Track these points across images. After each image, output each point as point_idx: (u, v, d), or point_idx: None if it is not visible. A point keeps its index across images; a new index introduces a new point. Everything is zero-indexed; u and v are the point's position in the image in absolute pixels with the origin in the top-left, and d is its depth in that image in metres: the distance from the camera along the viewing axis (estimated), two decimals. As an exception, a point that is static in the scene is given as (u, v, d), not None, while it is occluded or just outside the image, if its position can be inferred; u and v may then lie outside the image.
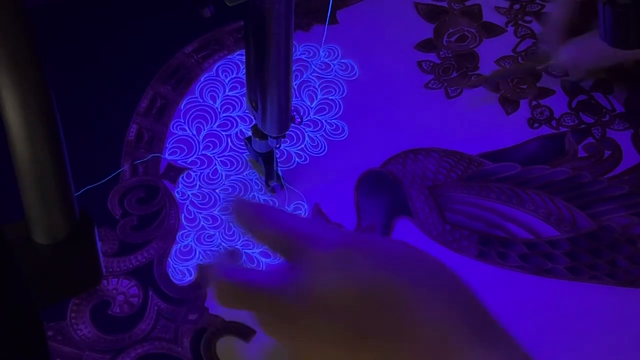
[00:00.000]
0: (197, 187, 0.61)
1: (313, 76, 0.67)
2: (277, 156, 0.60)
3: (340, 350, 0.39)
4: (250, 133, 0.60)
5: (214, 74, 0.67)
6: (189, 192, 0.60)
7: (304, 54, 0.68)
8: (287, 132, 0.63)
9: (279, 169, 0.61)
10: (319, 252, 0.39)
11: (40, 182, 0.32)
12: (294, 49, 0.68)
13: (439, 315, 0.39)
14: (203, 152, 0.63)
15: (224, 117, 0.64)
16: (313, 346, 0.40)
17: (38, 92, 0.31)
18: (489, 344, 0.40)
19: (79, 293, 0.36)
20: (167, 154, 0.62)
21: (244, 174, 0.62)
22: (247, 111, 0.58)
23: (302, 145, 0.63)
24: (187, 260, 0.57)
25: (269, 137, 0.57)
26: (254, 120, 0.57)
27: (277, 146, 0.58)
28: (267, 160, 0.60)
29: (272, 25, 0.49)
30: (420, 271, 0.41)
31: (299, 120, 0.57)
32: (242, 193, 0.60)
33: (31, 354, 0.36)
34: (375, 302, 0.41)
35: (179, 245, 0.58)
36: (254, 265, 0.56)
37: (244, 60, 0.54)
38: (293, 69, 0.57)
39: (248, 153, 0.62)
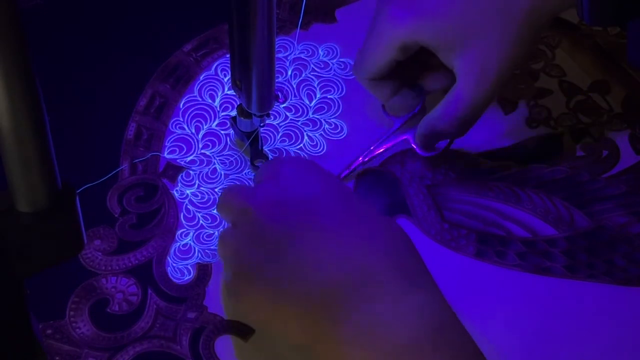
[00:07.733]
0: (196, 186, 0.61)
1: (312, 75, 0.67)
2: (262, 134, 0.61)
3: None
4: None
5: (213, 73, 0.67)
6: (187, 191, 0.61)
7: (303, 52, 0.69)
8: (285, 131, 0.64)
9: (264, 148, 0.61)
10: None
11: (21, 149, 0.33)
12: (293, 49, 0.69)
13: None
14: (202, 151, 0.63)
15: (223, 116, 0.64)
16: None
17: (19, 61, 0.31)
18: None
19: (61, 262, 0.37)
20: (166, 153, 0.62)
21: (243, 172, 0.62)
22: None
23: (301, 145, 0.63)
24: (186, 259, 0.57)
25: (253, 116, 0.57)
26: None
27: (262, 125, 0.59)
28: (252, 139, 0.60)
29: (256, 1, 0.49)
30: None
31: (283, 99, 0.57)
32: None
33: (13, 322, 0.37)
34: None
35: (178, 244, 0.58)
36: None
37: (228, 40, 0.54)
38: (276, 47, 0.56)
39: (233, 133, 0.62)
